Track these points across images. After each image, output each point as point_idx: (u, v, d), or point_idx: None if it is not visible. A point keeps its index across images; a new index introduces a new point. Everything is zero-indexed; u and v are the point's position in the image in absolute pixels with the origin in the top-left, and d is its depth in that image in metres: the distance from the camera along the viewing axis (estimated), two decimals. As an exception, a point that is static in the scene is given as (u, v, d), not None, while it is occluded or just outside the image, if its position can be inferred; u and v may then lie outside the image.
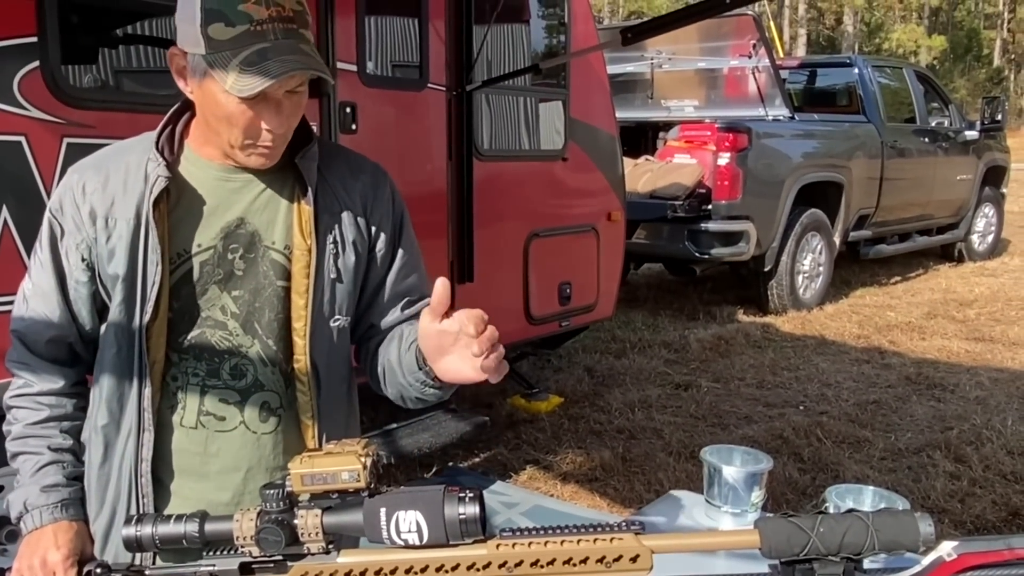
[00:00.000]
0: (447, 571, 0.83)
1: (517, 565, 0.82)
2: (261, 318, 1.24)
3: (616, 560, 0.81)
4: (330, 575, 0.87)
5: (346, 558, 0.87)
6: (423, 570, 0.84)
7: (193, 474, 1.25)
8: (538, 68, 4.28)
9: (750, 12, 6.79)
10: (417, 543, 0.84)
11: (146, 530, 0.93)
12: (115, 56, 2.85)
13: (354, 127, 3.38)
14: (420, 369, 1.16)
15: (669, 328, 6.38)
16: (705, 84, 7.46)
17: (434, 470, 3.80)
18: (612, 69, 5.91)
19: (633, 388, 4.95)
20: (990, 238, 9.47)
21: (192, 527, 0.92)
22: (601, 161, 4.68)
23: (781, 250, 6.63)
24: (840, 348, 5.88)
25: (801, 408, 4.67)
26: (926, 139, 8.12)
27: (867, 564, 0.82)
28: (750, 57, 6.85)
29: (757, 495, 1.66)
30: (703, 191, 6.29)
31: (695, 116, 7.16)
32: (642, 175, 6.54)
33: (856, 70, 7.73)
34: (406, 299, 1.33)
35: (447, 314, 1.06)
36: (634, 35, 3.40)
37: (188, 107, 1.24)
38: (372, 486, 0.87)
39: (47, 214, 1.25)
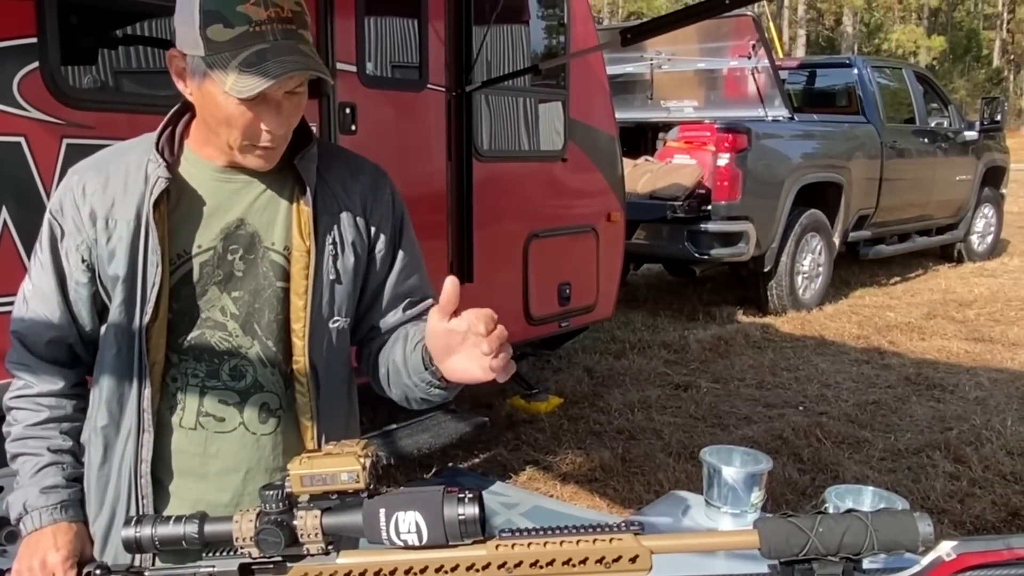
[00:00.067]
0: (447, 572, 0.83)
1: (517, 566, 0.82)
2: (261, 319, 1.24)
3: (615, 561, 0.81)
4: (329, 576, 0.87)
5: (345, 559, 0.87)
6: (422, 571, 0.84)
7: (192, 475, 1.25)
8: (538, 69, 4.28)
9: (749, 13, 6.79)
10: (416, 544, 0.84)
11: (145, 531, 0.93)
12: (114, 57, 2.85)
13: (353, 128, 3.39)
14: (426, 369, 1.15)
15: (669, 329, 6.38)
16: (704, 85, 7.46)
17: (434, 471, 3.79)
18: (612, 70, 5.91)
19: (633, 389, 4.95)
20: (989, 238, 9.47)
21: (191, 528, 0.92)
22: (601, 162, 4.69)
23: (781, 251, 6.63)
24: (840, 348, 5.88)
25: (801, 409, 4.67)
26: (925, 140, 8.12)
27: (866, 564, 0.82)
28: (749, 58, 6.85)
29: (757, 496, 1.66)
30: (703, 192, 6.30)
31: (695, 117, 7.16)
32: (642, 176, 6.54)
33: (855, 71, 7.74)
34: (407, 300, 1.33)
35: (455, 313, 1.05)
36: (633, 36, 3.40)
37: (188, 108, 1.24)
38: (371, 487, 0.87)
39: (47, 215, 1.25)
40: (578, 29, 4.53)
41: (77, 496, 1.26)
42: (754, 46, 6.78)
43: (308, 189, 1.23)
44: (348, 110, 3.37)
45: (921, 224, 8.40)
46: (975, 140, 8.66)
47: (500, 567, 0.83)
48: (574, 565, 0.82)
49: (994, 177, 9.21)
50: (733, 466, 1.68)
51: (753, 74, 6.92)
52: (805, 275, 6.97)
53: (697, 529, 1.66)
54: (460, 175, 3.87)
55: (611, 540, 0.82)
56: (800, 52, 33.88)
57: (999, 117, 8.84)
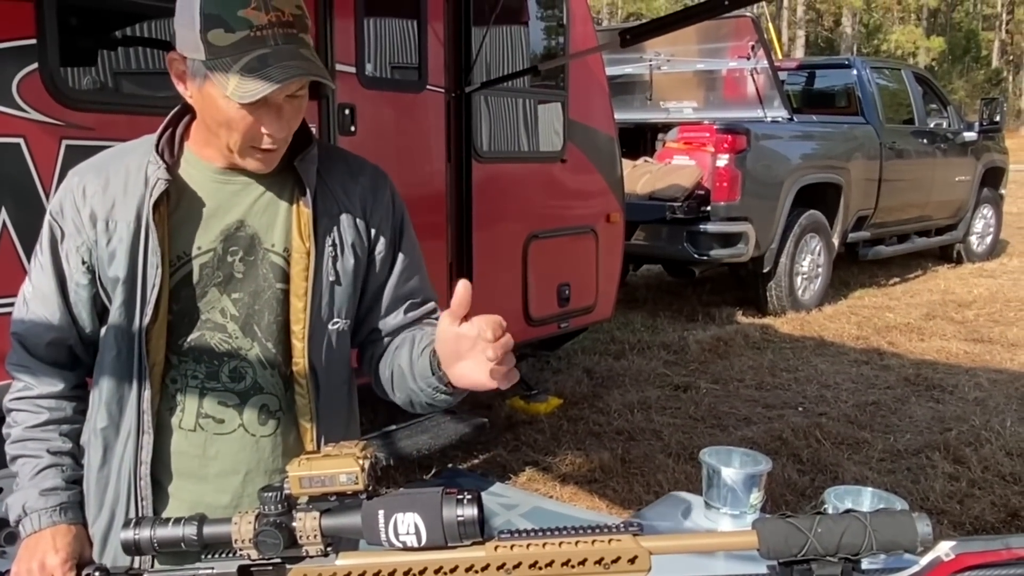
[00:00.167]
0: (446, 573, 0.83)
1: (516, 567, 0.83)
2: (260, 321, 1.24)
3: (615, 561, 0.81)
4: (329, 577, 0.87)
5: (344, 560, 0.87)
6: (422, 572, 0.84)
7: (192, 476, 1.25)
8: (537, 70, 4.29)
9: (749, 14, 6.79)
10: (415, 545, 0.84)
11: (144, 533, 0.93)
12: (114, 58, 2.85)
13: (353, 129, 3.39)
14: (433, 374, 1.15)
15: (668, 329, 6.38)
16: (704, 86, 7.46)
17: (433, 472, 3.79)
18: (611, 71, 5.92)
19: (632, 389, 4.95)
20: (989, 239, 9.48)
21: (190, 530, 0.92)
22: (600, 163, 4.69)
23: (780, 251, 6.63)
24: (839, 349, 5.88)
25: (800, 409, 4.67)
26: (925, 140, 8.13)
27: (865, 564, 0.82)
28: (749, 59, 6.85)
29: (756, 496, 1.66)
30: (702, 192, 6.30)
31: (694, 118, 7.16)
32: (641, 176, 6.54)
33: (855, 71, 7.74)
34: (408, 302, 1.33)
35: (466, 318, 1.05)
36: (633, 37, 3.40)
37: (188, 110, 1.24)
38: (370, 488, 0.87)
39: (47, 217, 1.25)
40: (577, 30, 4.53)
41: (76, 498, 1.26)
42: (753, 47, 6.78)
43: (308, 191, 1.23)
44: (347, 111, 3.37)
45: (920, 225, 8.40)
46: (974, 141, 8.67)
47: (499, 568, 0.83)
48: (573, 566, 0.82)
49: (993, 178, 9.22)
50: (732, 467, 1.68)
51: (752, 75, 6.92)
52: (804, 276, 6.97)
53: (696, 530, 1.66)
54: (459, 176, 3.88)
55: (610, 541, 0.82)
56: (799, 53, 33.90)
57: (998, 118, 8.85)
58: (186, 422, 1.24)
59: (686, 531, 1.66)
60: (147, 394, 1.21)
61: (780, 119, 6.88)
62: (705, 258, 6.34)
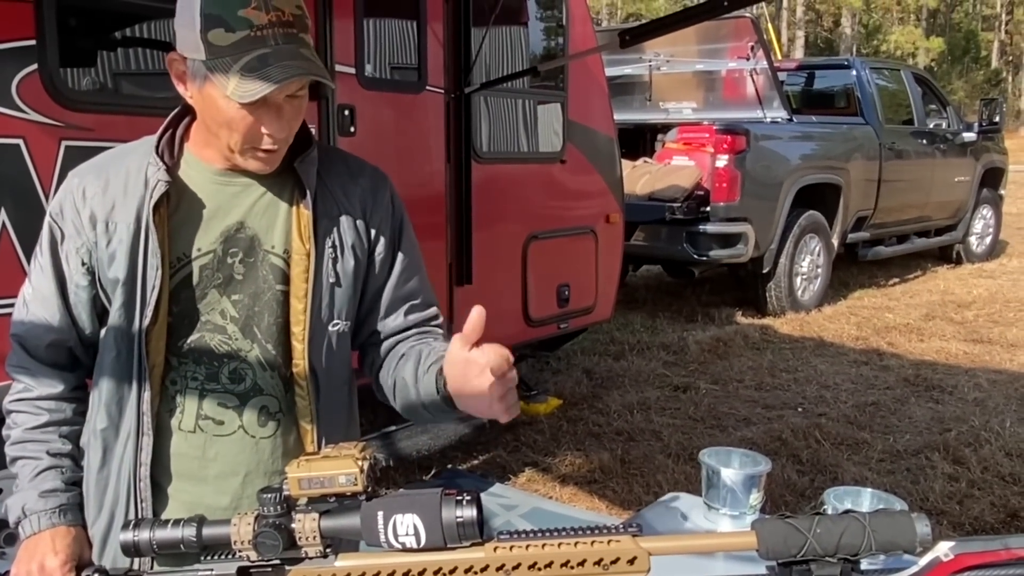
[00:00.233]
0: (445, 574, 0.83)
1: (515, 568, 0.83)
2: (260, 322, 1.24)
3: (614, 562, 0.81)
4: (328, 578, 0.87)
5: (344, 562, 0.87)
6: (421, 573, 0.84)
7: (191, 478, 1.25)
8: (536, 71, 4.29)
9: (748, 14, 6.79)
10: (415, 546, 0.84)
11: (143, 535, 0.93)
12: (113, 59, 2.85)
13: (352, 130, 3.39)
14: (438, 393, 1.15)
15: (668, 330, 6.38)
16: (703, 86, 7.47)
17: (433, 472, 3.79)
18: (610, 71, 5.92)
19: (632, 390, 4.95)
20: (988, 240, 9.48)
21: (189, 531, 0.92)
22: (599, 163, 4.69)
23: (779, 252, 6.63)
24: (838, 350, 5.88)
25: (799, 410, 4.67)
26: (924, 141, 8.13)
27: (864, 565, 0.82)
28: (748, 59, 6.85)
29: (755, 497, 1.66)
30: (701, 193, 6.30)
31: (693, 118, 7.17)
32: (640, 177, 6.54)
33: (854, 72, 7.74)
34: (408, 303, 1.33)
35: (477, 344, 1.06)
36: (632, 37, 3.40)
37: (188, 111, 1.24)
38: (369, 489, 0.87)
39: (47, 218, 1.25)
40: (577, 31, 4.53)
41: (76, 500, 1.26)
42: (753, 47, 6.79)
43: (308, 192, 1.23)
44: (347, 112, 3.37)
45: (920, 225, 8.41)
46: (974, 141, 8.67)
47: (499, 569, 0.83)
48: (572, 567, 0.82)
49: (993, 178, 9.22)
50: (732, 468, 1.68)
51: (752, 75, 6.93)
52: (804, 276, 6.97)
53: (696, 531, 1.66)
54: (459, 177, 3.88)
55: (609, 542, 0.82)
56: (799, 53, 33.92)
57: (997, 118, 8.85)
58: (186, 423, 1.24)
59: (685, 532, 1.66)
60: (147, 395, 1.21)
61: (779, 120, 6.89)
62: (704, 259, 6.35)
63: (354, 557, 0.87)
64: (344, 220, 1.27)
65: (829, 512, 0.84)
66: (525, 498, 3.51)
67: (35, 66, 2.47)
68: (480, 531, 0.84)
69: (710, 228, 6.22)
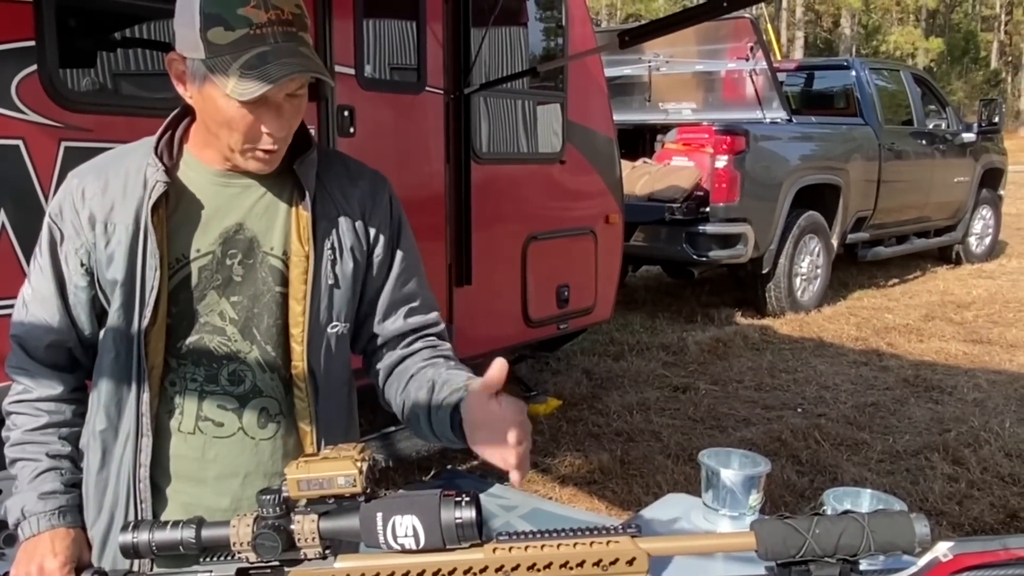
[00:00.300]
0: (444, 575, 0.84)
1: (514, 569, 0.83)
2: (260, 324, 1.24)
3: (613, 563, 0.81)
4: (327, 580, 0.87)
5: (343, 563, 0.87)
6: (420, 575, 0.84)
7: (191, 480, 1.25)
8: (536, 71, 4.29)
9: (747, 15, 6.80)
10: (414, 547, 0.84)
11: (143, 536, 0.93)
12: (112, 60, 2.85)
13: (352, 130, 3.39)
14: (452, 430, 1.16)
15: (667, 330, 6.39)
16: (703, 87, 7.47)
17: (432, 473, 3.79)
18: (610, 72, 5.92)
19: (631, 390, 4.96)
20: (987, 240, 9.48)
21: (189, 533, 0.92)
22: (599, 164, 4.69)
23: (779, 252, 6.64)
24: (838, 350, 5.88)
25: (799, 410, 4.67)
26: (923, 141, 8.13)
27: (863, 565, 0.82)
28: (748, 60, 6.86)
29: (755, 498, 1.66)
30: (701, 193, 6.30)
31: (693, 119, 7.17)
32: (640, 178, 6.54)
33: (853, 72, 7.75)
34: (408, 306, 1.33)
35: (498, 393, 1.06)
36: (632, 38, 3.40)
37: (188, 112, 1.24)
38: (369, 491, 0.87)
39: (47, 219, 1.25)
40: (576, 31, 4.54)
41: (75, 502, 1.26)
42: (752, 48, 6.79)
43: (307, 194, 1.23)
44: (346, 113, 3.37)
45: (919, 226, 8.41)
46: (973, 142, 8.68)
47: (498, 570, 0.83)
48: (571, 568, 0.82)
49: (992, 179, 9.23)
50: (731, 468, 1.68)
51: (751, 76, 6.93)
52: (803, 277, 6.98)
53: (695, 531, 1.66)
54: (458, 177, 3.88)
55: (608, 543, 0.82)
56: (798, 54, 33.94)
57: (997, 119, 8.86)
58: (185, 425, 1.24)
59: (685, 533, 1.66)
60: (146, 396, 1.21)
61: (779, 120, 6.89)
62: (704, 259, 6.35)
63: (353, 558, 0.87)
64: (343, 222, 1.27)
65: (828, 513, 0.84)
66: (524, 499, 3.51)
67: (34, 67, 2.47)
68: (479, 532, 0.84)
69: (709, 229, 6.23)
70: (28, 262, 1.29)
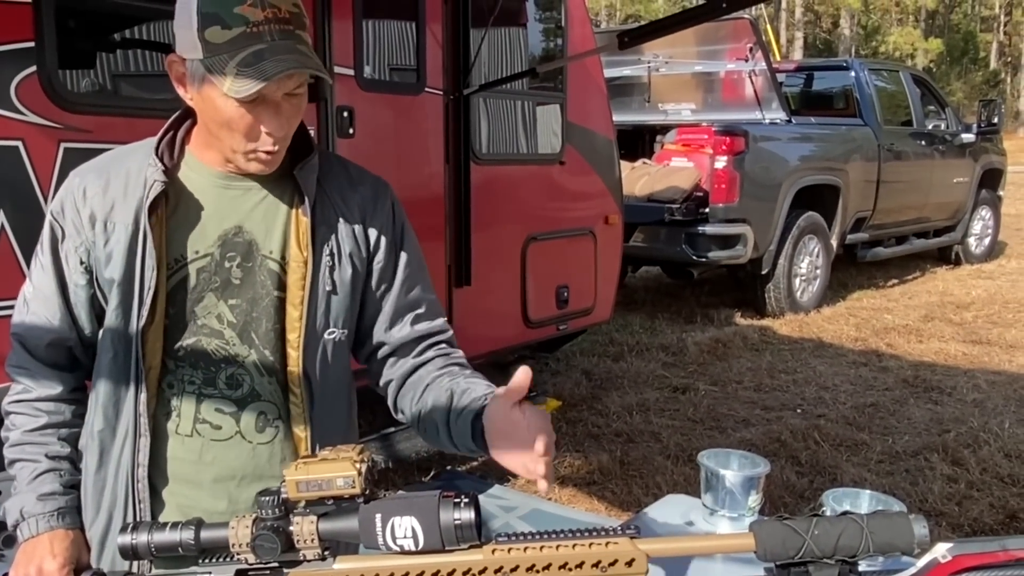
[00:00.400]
0: (443, 576, 0.84)
1: (513, 570, 0.83)
2: (258, 328, 1.24)
3: (612, 564, 0.81)
4: (326, 581, 0.87)
5: (342, 564, 0.87)
6: (419, 576, 0.84)
7: (188, 482, 1.25)
8: (535, 72, 4.29)
9: (747, 16, 6.80)
10: (413, 549, 0.84)
11: (142, 538, 0.93)
12: (112, 61, 2.85)
13: (351, 131, 3.39)
14: (473, 440, 1.15)
15: (667, 331, 6.39)
16: (702, 88, 7.47)
17: (432, 474, 3.79)
18: (609, 73, 5.92)
19: (631, 391, 4.96)
20: (987, 241, 9.49)
21: (188, 534, 0.92)
22: (598, 165, 4.69)
23: (778, 253, 6.64)
24: (837, 351, 5.88)
25: (798, 411, 4.67)
26: (923, 142, 8.14)
27: (863, 566, 0.82)
28: (747, 60, 6.86)
29: (754, 499, 1.66)
30: (700, 194, 6.31)
31: (692, 119, 7.17)
32: (639, 178, 6.55)
33: (853, 73, 7.75)
34: (414, 313, 1.32)
35: (520, 404, 1.06)
36: (631, 39, 3.40)
37: (190, 113, 1.24)
38: (368, 492, 0.87)
39: (48, 217, 1.25)
40: (576, 32, 4.54)
41: (74, 503, 1.25)
42: (751, 49, 6.79)
43: (307, 199, 1.23)
44: (346, 113, 3.37)
45: (918, 226, 8.41)
46: (972, 142, 8.68)
47: (497, 572, 0.83)
48: (571, 569, 0.82)
49: (991, 179, 9.23)
50: (731, 469, 1.67)
51: (750, 77, 6.93)
52: (803, 277, 6.98)
53: (695, 532, 1.66)
54: (458, 178, 3.88)
55: (607, 544, 0.82)
56: (797, 55, 33.96)
57: (996, 119, 8.86)
58: (183, 427, 1.24)
59: (684, 534, 1.66)
60: (143, 397, 1.21)
61: (778, 121, 6.89)
62: (703, 260, 6.35)
63: (352, 560, 0.87)
64: (342, 228, 1.27)
65: (827, 514, 0.84)
66: (524, 499, 3.51)
67: (34, 68, 2.47)
68: (478, 533, 0.84)
69: (709, 229, 6.23)
70: (27, 263, 1.29)
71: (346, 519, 0.87)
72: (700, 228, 6.24)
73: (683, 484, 3.53)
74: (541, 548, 0.83)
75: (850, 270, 8.32)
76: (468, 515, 0.83)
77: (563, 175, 4.47)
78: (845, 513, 0.84)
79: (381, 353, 1.33)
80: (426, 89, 3.73)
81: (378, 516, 0.85)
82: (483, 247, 3.96)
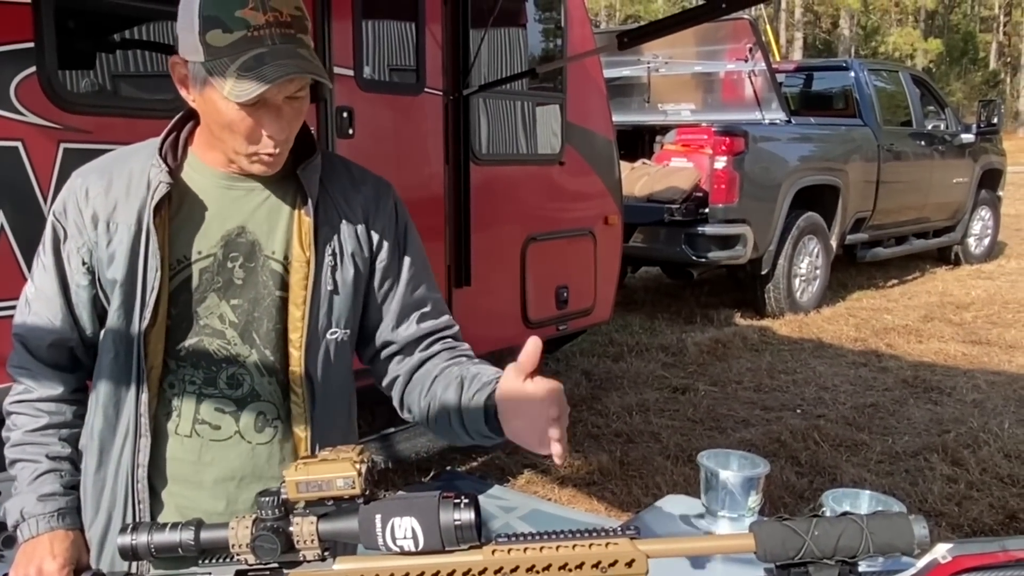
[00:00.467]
0: (443, 577, 0.84)
1: (513, 571, 0.83)
2: (260, 328, 1.24)
3: (611, 565, 0.81)
4: (326, 581, 0.87)
5: (342, 565, 0.87)
6: (419, 576, 0.84)
7: (187, 482, 1.25)
8: (535, 72, 4.29)
9: (746, 16, 6.80)
10: (412, 549, 0.84)
11: (142, 538, 0.93)
12: (111, 61, 2.85)
13: (351, 131, 3.39)
14: (487, 423, 1.15)
15: (666, 331, 6.39)
16: (702, 88, 7.47)
17: (432, 474, 3.79)
18: (609, 73, 5.93)
19: (631, 392, 4.96)
20: (986, 241, 9.49)
21: (188, 535, 0.92)
22: (598, 165, 4.69)
23: (778, 253, 6.64)
24: (837, 351, 5.88)
25: (798, 411, 4.67)
26: (922, 142, 8.14)
27: (862, 567, 0.82)
28: (746, 61, 6.86)
29: (754, 499, 1.65)
30: (700, 195, 6.31)
31: (692, 120, 7.18)
32: (639, 179, 6.55)
33: (852, 73, 7.75)
34: (419, 312, 1.32)
35: (531, 374, 1.05)
36: (631, 39, 3.40)
37: (193, 114, 1.24)
38: (368, 492, 0.87)
39: (50, 217, 1.25)
40: (575, 32, 4.54)
41: (74, 504, 1.26)
42: (751, 49, 6.79)
43: (310, 199, 1.23)
44: (345, 114, 3.37)
45: (918, 227, 8.42)
46: (972, 143, 8.68)
47: (496, 572, 0.83)
48: (570, 570, 0.82)
49: (991, 180, 9.23)
50: (731, 470, 1.67)
51: (750, 77, 6.93)
52: (802, 278, 6.98)
53: (694, 533, 1.66)
54: (457, 178, 3.88)
55: (607, 544, 0.82)
56: (797, 55, 33.97)
57: (996, 120, 8.87)
58: (182, 428, 1.24)
59: (684, 534, 1.66)
60: (144, 397, 1.21)
61: (778, 121, 6.89)
62: (703, 260, 6.35)
63: (352, 560, 0.87)
64: (345, 228, 1.27)
65: (827, 514, 0.84)
66: (524, 500, 3.51)
67: (33, 68, 2.47)
68: (478, 534, 0.84)
69: (709, 229, 6.23)
70: (27, 264, 1.29)
71: (346, 520, 0.87)
72: (700, 228, 6.24)
73: (683, 484, 3.53)
74: (541, 549, 0.83)
75: (850, 270, 8.32)
76: (468, 516, 0.83)
77: (563, 175, 4.47)
78: (845, 514, 0.84)
79: (387, 352, 1.33)
80: (426, 89, 3.73)
81: (378, 517, 0.85)
82: (483, 247, 3.96)
